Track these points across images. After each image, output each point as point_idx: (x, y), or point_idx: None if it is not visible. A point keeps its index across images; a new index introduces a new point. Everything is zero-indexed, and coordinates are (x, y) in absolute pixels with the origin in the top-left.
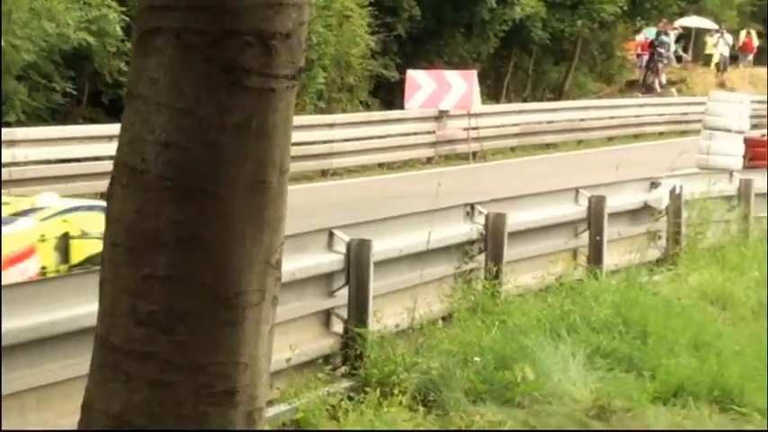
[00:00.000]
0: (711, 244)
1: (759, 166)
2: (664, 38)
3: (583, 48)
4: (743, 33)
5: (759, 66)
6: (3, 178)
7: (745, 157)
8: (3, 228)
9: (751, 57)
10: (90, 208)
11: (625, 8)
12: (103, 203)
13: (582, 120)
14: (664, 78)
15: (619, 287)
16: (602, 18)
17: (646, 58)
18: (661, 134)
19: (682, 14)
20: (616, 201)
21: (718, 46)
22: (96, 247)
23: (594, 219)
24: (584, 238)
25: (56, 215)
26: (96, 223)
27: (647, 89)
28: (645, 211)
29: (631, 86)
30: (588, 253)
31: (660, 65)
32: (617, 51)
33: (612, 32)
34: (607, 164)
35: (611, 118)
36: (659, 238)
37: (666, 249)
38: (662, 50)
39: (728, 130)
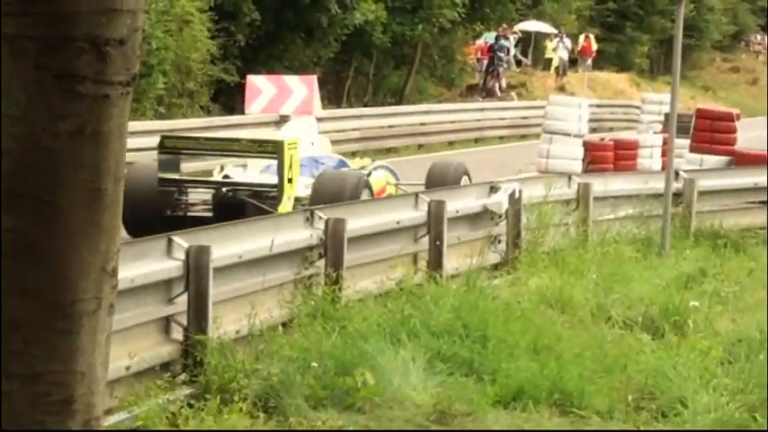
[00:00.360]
0: (551, 248)
1: (598, 169)
2: (503, 42)
3: (423, 52)
4: (581, 37)
5: (598, 70)
6: None
7: (584, 160)
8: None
9: (590, 61)
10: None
11: (465, 13)
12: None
13: (423, 124)
14: (504, 82)
15: (459, 291)
16: (441, 23)
17: (486, 62)
18: (501, 138)
19: (521, 19)
20: (456, 205)
21: (558, 50)
22: None
23: (434, 223)
24: (425, 242)
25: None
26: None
27: (488, 93)
28: (485, 215)
29: (472, 91)
30: (428, 258)
31: (500, 69)
32: (457, 56)
33: (453, 37)
34: None
35: (452, 122)
36: (499, 242)
37: (506, 253)
38: (502, 55)
39: (568, 134)
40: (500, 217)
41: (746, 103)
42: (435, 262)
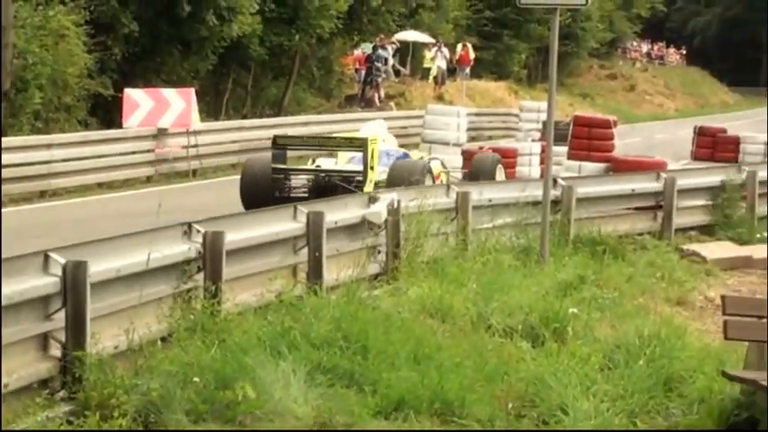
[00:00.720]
0: (430, 257)
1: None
2: (381, 52)
3: (301, 63)
4: (459, 46)
5: (476, 78)
6: None
7: (463, 169)
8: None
9: (468, 69)
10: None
11: (342, 24)
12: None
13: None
14: (383, 92)
15: (339, 303)
16: (319, 34)
17: (364, 72)
18: None
19: (399, 29)
20: (335, 216)
21: (436, 59)
22: None
23: (313, 235)
24: (304, 254)
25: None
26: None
27: (367, 103)
28: (364, 225)
29: (351, 101)
30: (308, 269)
31: (379, 79)
32: (335, 66)
33: (330, 47)
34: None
35: (330, 132)
36: (379, 252)
37: (386, 264)
38: (379, 65)
39: (447, 143)
40: (379, 227)
41: (624, 110)
42: (315, 273)
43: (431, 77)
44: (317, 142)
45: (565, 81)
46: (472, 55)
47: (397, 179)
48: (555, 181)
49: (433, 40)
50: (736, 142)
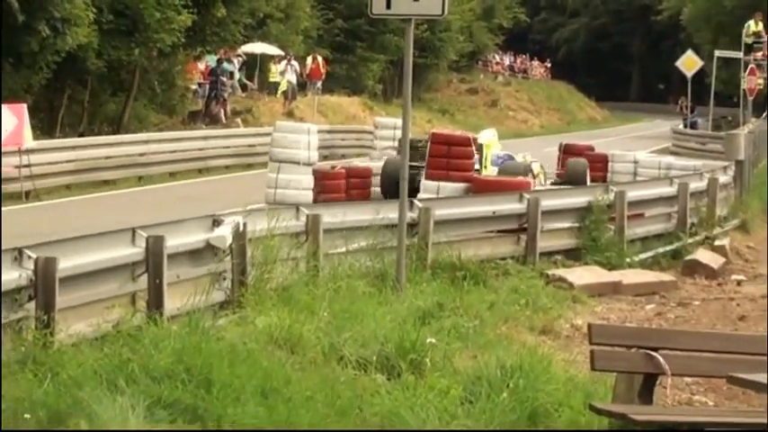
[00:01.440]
0: (279, 284)
1: (331, 199)
2: (227, 65)
3: (142, 77)
4: (309, 59)
5: (328, 93)
6: None
7: (314, 190)
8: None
9: (319, 84)
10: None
11: (185, 36)
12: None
13: (142, 154)
14: (229, 108)
15: (181, 333)
16: (160, 47)
17: (208, 87)
18: (227, 168)
19: (246, 40)
20: (176, 241)
21: (286, 73)
22: None
23: (153, 261)
24: (143, 281)
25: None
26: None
27: (212, 120)
28: (208, 250)
29: (195, 117)
30: (147, 297)
31: (225, 94)
32: (178, 80)
33: (172, 60)
34: (169, 201)
35: (174, 152)
36: (224, 279)
37: (232, 291)
38: (225, 79)
39: (296, 163)
40: (224, 252)
41: (486, 127)
42: (155, 302)
43: (279, 92)
44: None
45: (422, 96)
46: (324, 68)
47: (506, 175)
48: (411, 202)
49: (283, 53)
50: (604, 160)
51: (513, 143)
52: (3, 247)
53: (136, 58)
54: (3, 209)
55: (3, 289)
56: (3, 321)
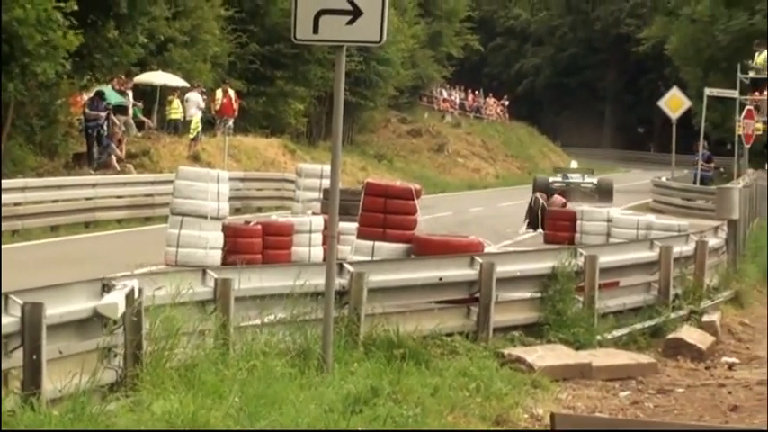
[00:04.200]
0: (181, 362)
1: (243, 261)
2: (119, 98)
3: (17, 112)
4: (219, 92)
5: (242, 133)
6: None
7: (224, 250)
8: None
9: (231, 122)
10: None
11: (68, 66)
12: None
13: (18, 204)
14: (122, 150)
15: (63, 420)
16: (39, 77)
17: (85, 124)
18: (120, 222)
19: (143, 68)
20: (58, 309)
21: (190, 108)
22: None
23: (30, 332)
24: (18, 357)
25: None
26: None
27: (102, 164)
28: (96, 321)
29: (80, 161)
30: (23, 376)
31: (117, 133)
32: (61, 116)
33: (55, 93)
34: (50, 261)
35: (55, 201)
36: (115, 355)
37: (124, 370)
38: (117, 115)
39: (203, 216)
40: (115, 323)
41: (430, 176)
42: (32, 381)
43: (193, 132)
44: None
45: (355, 138)
46: (236, 103)
47: (605, 183)
48: (341, 266)
49: (187, 84)
50: (571, 218)
51: (464, 196)
52: None
53: (11, 91)
54: None
55: None
56: None
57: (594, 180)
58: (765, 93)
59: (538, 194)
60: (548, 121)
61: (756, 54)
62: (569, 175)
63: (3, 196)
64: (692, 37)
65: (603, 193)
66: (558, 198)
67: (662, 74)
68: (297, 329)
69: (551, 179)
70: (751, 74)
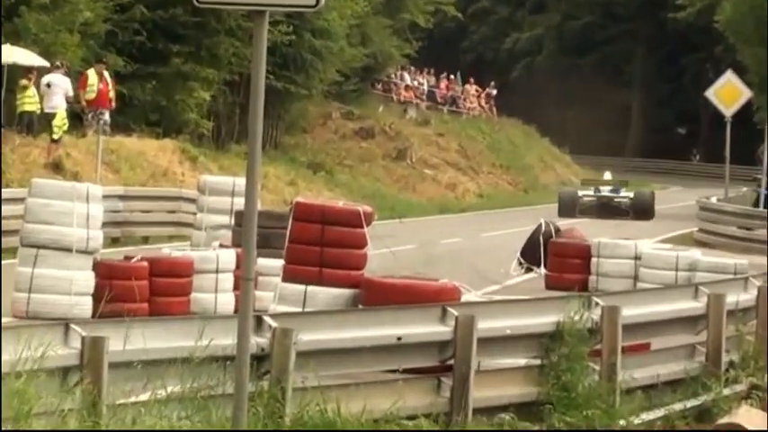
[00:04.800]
0: None
1: (125, 311)
2: None
3: None
4: (91, 74)
5: (123, 133)
6: None
7: (96, 296)
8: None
9: (107, 115)
10: None
11: None
12: None
13: None
14: None
15: None
16: None
17: None
18: None
19: None
20: None
21: (52, 97)
22: None
23: None
24: None
25: None
26: None
27: None
28: None
29: None
30: None
31: None
32: None
33: None
34: None
35: None
36: None
37: None
38: None
39: (68, 249)
40: None
41: (387, 194)
42: None
43: (57, 131)
44: (591, 183)
45: (283, 140)
46: (114, 90)
47: (643, 198)
48: (259, 320)
49: (47, 63)
50: (584, 254)
51: (431, 223)
52: None
53: None
54: None
55: None
56: None
57: (630, 194)
58: None
59: (545, 220)
60: (551, 117)
61: None
62: (601, 188)
63: None
64: (752, 1)
65: (641, 210)
66: (576, 230)
67: (711, 53)
68: (197, 409)
69: (580, 193)
70: None
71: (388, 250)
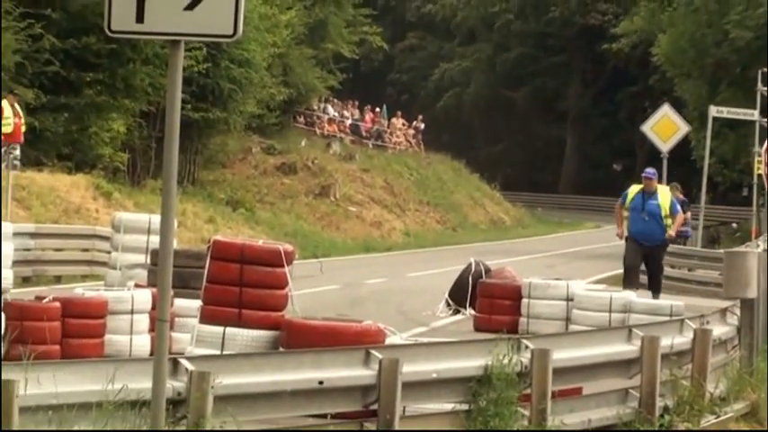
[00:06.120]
0: None
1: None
2: None
3: None
4: (6, 107)
5: (34, 168)
6: None
7: (4, 339)
8: None
9: (18, 150)
10: None
11: None
12: None
13: None
14: None
15: None
16: None
17: None
18: None
19: None
20: None
21: None
22: None
23: None
24: None
25: None
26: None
27: None
28: None
29: None
30: None
31: None
32: None
33: None
34: None
35: None
36: None
37: None
38: None
39: None
40: None
41: (309, 232)
42: None
43: None
44: None
45: (201, 176)
46: (23, 123)
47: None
48: (176, 363)
49: None
50: (514, 295)
51: (356, 263)
52: None
53: None
54: None
55: None
56: None
57: None
58: None
59: (475, 260)
60: (481, 153)
61: None
62: None
63: None
64: (692, 34)
65: None
66: (506, 270)
67: (647, 85)
68: None
69: None
70: None
71: (310, 291)
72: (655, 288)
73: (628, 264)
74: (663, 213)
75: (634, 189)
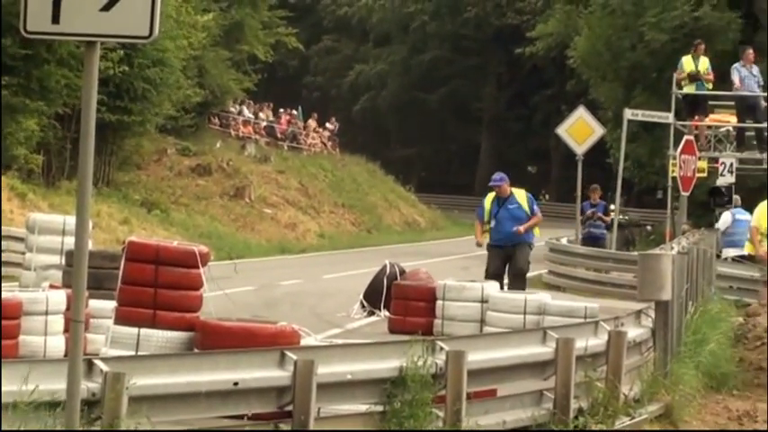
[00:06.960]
0: None
1: None
2: None
3: None
4: None
5: None
6: None
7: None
8: None
9: None
10: None
11: None
12: None
13: None
14: None
15: None
16: None
17: None
18: None
19: None
20: None
21: None
22: None
23: None
24: None
25: None
26: None
27: None
28: None
29: None
30: None
31: None
32: None
33: None
34: None
35: None
36: None
37: None
38: None
39: None
40: None
41: (224, 233)
42: None
43: None
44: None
45: (116, 177)
46: None
47: None
48: (90, 364)
49: None
50: (429, 297)
51: (270, 264)
52: None
53: None
54: None
55: None
56: None
57: None
58: (709, 117)
59: (390, 262)
60: (396, 155)
61: (693, 59)
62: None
63: None
64: (608, 37)
65: None
66: (421, 272)
67: (563, 88)
68: None
69: None
70: (684, 86)
71: (224, 292)
72: (519, 288)
73: (492, 272)
74: (527, 214)
75: (489, 198)
